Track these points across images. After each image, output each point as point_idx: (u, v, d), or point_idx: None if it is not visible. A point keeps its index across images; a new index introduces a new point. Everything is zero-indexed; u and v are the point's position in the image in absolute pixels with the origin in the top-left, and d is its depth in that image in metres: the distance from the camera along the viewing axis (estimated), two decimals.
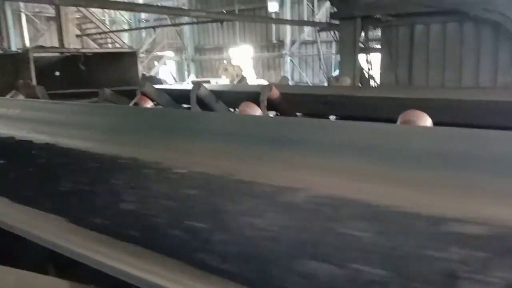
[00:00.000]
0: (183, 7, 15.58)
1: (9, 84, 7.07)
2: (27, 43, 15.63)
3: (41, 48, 8.91)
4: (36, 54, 7.41)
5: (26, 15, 15.66)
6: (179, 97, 5.28)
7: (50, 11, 15.56)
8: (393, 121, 2.27)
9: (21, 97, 4.53)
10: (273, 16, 15.63)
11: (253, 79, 13.04)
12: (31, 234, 1.12)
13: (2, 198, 1.42)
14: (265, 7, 15.75)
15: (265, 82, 9.80)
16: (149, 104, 3.83)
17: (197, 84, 4.52)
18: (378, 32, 7.42)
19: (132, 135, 2.49)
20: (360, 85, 6.52)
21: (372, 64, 7.44)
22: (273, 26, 16.28)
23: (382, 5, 6.29)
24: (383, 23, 6.36)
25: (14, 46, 14.85)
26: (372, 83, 7.13)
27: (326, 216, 1.07)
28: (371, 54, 7.31)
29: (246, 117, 2.34)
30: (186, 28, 17.93)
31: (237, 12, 16.00)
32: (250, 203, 1.34)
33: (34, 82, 6.67)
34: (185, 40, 18.76)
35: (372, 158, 1.45)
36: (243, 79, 7.38)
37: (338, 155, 1.68)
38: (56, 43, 14.92)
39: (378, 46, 7.28)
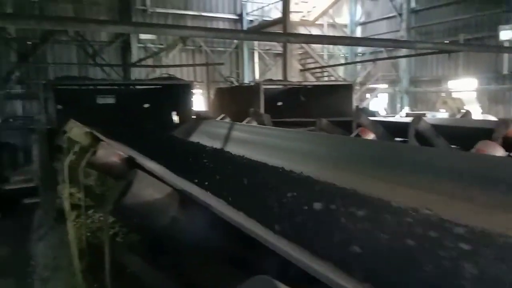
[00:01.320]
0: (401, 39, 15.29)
1: (242, 111, 8.20)
2: (256, 76, 17.92)
3: (270, 81, 10.04)
4: (265, 86, 8.39)
5: (259, 52, 18.03)
6: (394, 129, 5.14)
7: (278, 48, 17.52)
8: None
9: (254, 123, 5.22)
10: (507, 44, 13.79)
11: (478, 114, 11.66)
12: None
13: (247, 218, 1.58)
14: (496, 36, 14.05)
15: (492, 118, 8.66)
16: (370, 136, 3.84)
17: (417, 118, 4.31)
18: None
19: (356, 165, 2.53)
20: None
21: None
22: (505, 56, 14.34)
23: None
24: None
25: (247, 79, 17.25)
26: None
27: None
28: None
29: (484, 157, 2.09)
30: (402, 61, 17.48)
31: (462, 42, 14.75)
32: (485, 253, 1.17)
33: (262, 110, 7.55)
34: (400, 72, 18.28)
35: None
36: (467, 113, 6.68)
37: None
38: (279, 76, 16.68)
39: None
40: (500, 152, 2.55)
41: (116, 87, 8.96)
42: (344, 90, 9.06)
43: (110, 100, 8.69)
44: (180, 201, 1.38)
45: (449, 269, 1.00)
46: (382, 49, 16.83)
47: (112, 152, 2.16)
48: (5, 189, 7.55)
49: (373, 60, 17.04)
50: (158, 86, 8.78)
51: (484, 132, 3.30)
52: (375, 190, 2.04)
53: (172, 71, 13.37)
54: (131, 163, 2.15)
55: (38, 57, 13.68)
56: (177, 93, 7.92)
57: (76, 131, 3.67)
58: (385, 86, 19.09)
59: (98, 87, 8.64)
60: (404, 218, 1.46)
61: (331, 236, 1.44)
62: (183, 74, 15.05)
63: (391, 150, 2.44)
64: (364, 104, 16.38)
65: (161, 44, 15.71)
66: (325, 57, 18.75)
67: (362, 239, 1.31)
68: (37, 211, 6.76)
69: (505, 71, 14.58)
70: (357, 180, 2.34)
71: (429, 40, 14.38)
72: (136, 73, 15.11)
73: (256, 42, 17.55)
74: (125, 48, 15.12)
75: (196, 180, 2.32)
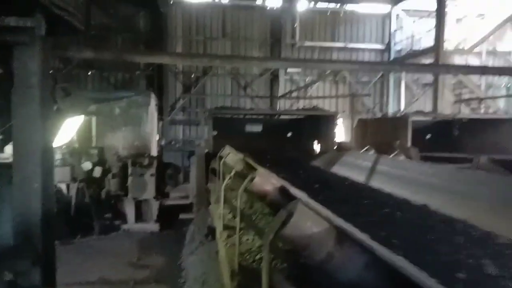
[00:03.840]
0: None
1: (386, 143, 7.91)
2: (402, 107, 17.13)
3: (419, 113, 9.51)
4: (414, 118, 7.97)
5: (405, 82, 17.25)
6: None
7: (428, 78, 16.53)
8: None
9: (401, 157, 5.00)
10: None
11: None
12: None
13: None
14: None
15: None
16: None
17: None
18: None
19: None
20: None
21: None
22: None
23: None
24: None
25: (391, 110, 16.60)
26: None
27: None
28: None
29: None
30: None
31: None
32: None
33: (409, 143, 7.18)
34: None
35: None
36: None
37: None
38: (427, 107, 15.63)
39: None
40: None
41: (263, 116, 9.53)
42: (509, 124, 8.07)
43: (257, 128, 9.30)
44: (336, 237, 1.41)
45: None
46: None
47: (267, 180, 2.31)
48: (165, 204, 8.57)
49: None
50: (302, 117, 9.06)
51: None
52: None
53: (314, 102, 13.69)
54: (284, 192, 2.27)
55: (198, 89, 15.41)
56: (320, 123, 8.05)
57: (232, 157, 4.00)
58: None
59: (248, 116, 9.32)
60: None
61: None
62: (325, 105, 15.25)
63: None
64: None
65: (307, 76, 16.23)
66: (483, 87, 17.00)
67: None
68: (190, 226, 7.50)
69: None
70: None
71: None
72: (282, 103, 15.85)
73: (403, 73, 16.86)
74: (273, 80, 16.03)
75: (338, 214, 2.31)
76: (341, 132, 15.11)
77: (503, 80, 17.68)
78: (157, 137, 10.53)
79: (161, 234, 8.20)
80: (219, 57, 6.23)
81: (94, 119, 8.99)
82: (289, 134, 9.31)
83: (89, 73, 14.78)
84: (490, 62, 16.86)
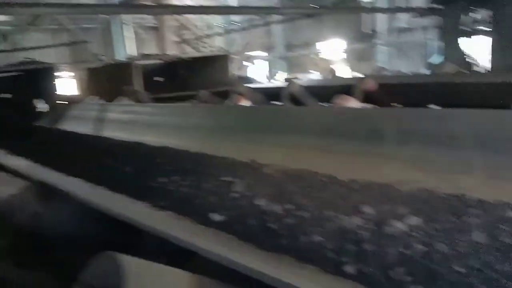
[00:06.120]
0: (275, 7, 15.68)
1: (119, 90, 7.76)
2: (135, 52, 16.91)
3: (145, 56, 9.61)
4: (139, 62, 7.99)
5: (132, 27, 16.93)
6: (271, 94, 5.36)
7: (152, 21, 16.71)
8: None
9: (124, 101, 4.97)
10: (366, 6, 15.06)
11: (346, 72, 12.62)
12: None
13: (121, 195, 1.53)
14: None
15: (359, 75, 9.47)
16: (247, 103, 3.92)
17: (289, 81, 4.53)
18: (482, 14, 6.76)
19: (228, 133, 2.57)
20: (466, 71, 6.01)
21: (477, 48, 6.84)
22: (365, 16, 15.66)
23: None
24: (494, 2, 5.77)
25: (119, 56, 16.20)
26: (478, 68, 6.53)
27: None
28: (476, 37, 6.70)
29: (340, 109, 2.28)
30: (277, 27, 18.06)
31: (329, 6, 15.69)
32: (335, 197, 1.32)
33: (141, 88, 7.21)
34: (275, 38, 18.92)
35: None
36: (332, 72, 7.17)
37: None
38: (155, 51, 15.96)
39: (485, 29, 6.62)
40: (353, 104, 2.80)
41: None
42: (221, 60, 9.08)
43: None
44: (43, 195, 1.27)
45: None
46: (258, 17, 17.09)
47: None
48: None
49: (246, 29, 17.26)
50: (15, 73, 7.81)
51: (349, 88, 3.60)
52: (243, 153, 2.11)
53: (37, 55, 11.97)
54: None
55: None
56: (39, 78, 7.16)
57: None
58: (264, 53, 19.64)
59: None
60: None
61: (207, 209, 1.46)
62: (45, 57, 13.58)
63: (263, 113, 2.53)
64: (242, 73, 16.65)
65: (17, 26, 13.94)
66: (205, 28, 18.45)
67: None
68: None
69: (366, 30, 15.97)
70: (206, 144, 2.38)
71: (299, 5, 14.98)
72: None
73: (130, 16, 16.46)
74: None
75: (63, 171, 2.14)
76: (69, 85, 13.92)
77: (220, 21, 19.64)
78: None
79: None
80: None
81: None
82: (5, 95, 7.94)
83: None
84: (207, 3, 18.29)
